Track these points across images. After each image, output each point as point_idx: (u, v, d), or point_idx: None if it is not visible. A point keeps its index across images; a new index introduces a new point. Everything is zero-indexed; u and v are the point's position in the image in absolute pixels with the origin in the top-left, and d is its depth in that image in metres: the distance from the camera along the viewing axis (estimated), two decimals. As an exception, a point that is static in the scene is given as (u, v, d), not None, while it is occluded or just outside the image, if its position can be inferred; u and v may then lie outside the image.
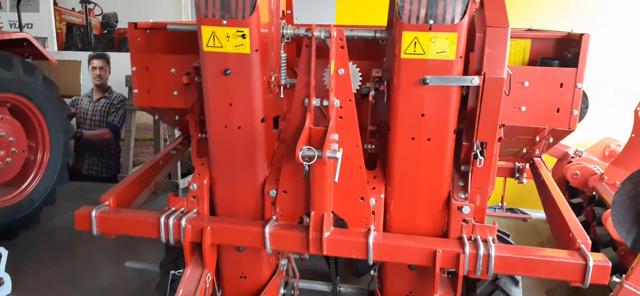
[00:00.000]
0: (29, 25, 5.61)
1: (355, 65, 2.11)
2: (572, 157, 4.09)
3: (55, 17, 5.66)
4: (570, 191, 4.22)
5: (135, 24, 2.47)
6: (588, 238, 2.04)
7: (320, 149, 1.88)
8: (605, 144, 4.28)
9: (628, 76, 4.57)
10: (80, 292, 3.84)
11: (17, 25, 5.28)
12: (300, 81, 2.00)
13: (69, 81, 5.73)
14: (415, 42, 1.84)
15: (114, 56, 5.74)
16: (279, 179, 2.20)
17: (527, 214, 4.26)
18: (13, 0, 5.65)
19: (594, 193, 3.74)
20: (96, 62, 5.84)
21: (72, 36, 5.85)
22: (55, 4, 5.61)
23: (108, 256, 4.44)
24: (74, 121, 6.13)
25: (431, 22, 1.81)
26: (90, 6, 5.64)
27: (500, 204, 4.03)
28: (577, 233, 2.08)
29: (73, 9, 5.71)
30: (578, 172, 3.81)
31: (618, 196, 2.07)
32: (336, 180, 1.91)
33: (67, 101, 5.76)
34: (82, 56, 5.78)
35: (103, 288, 3.94)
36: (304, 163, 1.90)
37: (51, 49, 5.75)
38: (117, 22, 5.67)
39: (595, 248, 3.55)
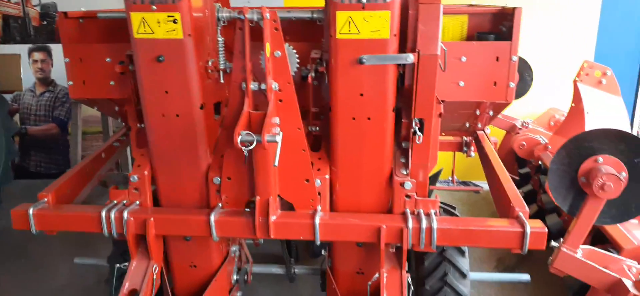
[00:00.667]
0: (-39, 20, 5.30)
1: (292, 46, 2.08)
2: (519, 128, 4.21)
3: (-11, 9, 5.37)
4: (518, 161, 4.35)
5: (65, 13, 2.37)
6: (526, 206, 2.11)
7: (259, 133, 1.86)
8: (551, 114, 4.43)
9: (571, 47, 4.71)
10: (32, 293, 3.71)
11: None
12: (236, 65, 1.97)
13: (8, 75, 5.46)
14: (349, 22, 1.83)
15: (56, 48, 5.49)
16: (222, 166, 2.17)
17: (478, 186, 4.37)
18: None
19: (539, 162, 3.86)
20: (37, 55, 5.57)
21: (10, 29, 5.54)
22: (-12, -6, 5.31)
23: (61, 254, 4.30)
24: (17, 117, 5.87)
25: (364, 1, 1.79)
26: (27, -4, 5.37)
27: (451, 179, 4.11)
28: (515, 201, 2.14)
29: (9, 0, 5.41)
30: (524, 142, 3.93)
31: (554, 164, 2.14)
32: (276, 164, 1.90)
33: (8, 96, 5.50)
34: (22, 49, 5.50)
35: (56, 288, 3.83)
36: (244, 148, 1.87)
37: (-12, 43, 5.46)
38: (56, 12, 5.42)
39: (541, 215, 3.70)
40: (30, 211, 2.24)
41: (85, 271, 3.87)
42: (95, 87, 2.40)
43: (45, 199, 2.33)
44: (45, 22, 5.53)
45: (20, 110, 5.86)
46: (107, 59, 2.33)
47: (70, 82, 2.42)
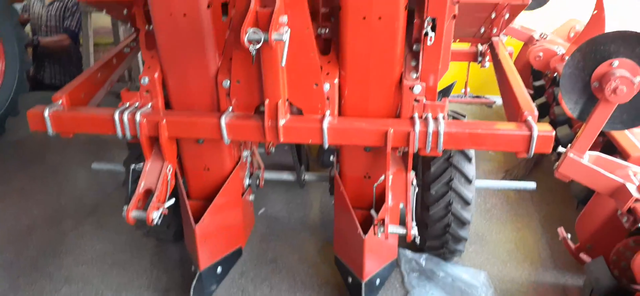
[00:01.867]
0: None
1: None
2: (537, 40, 4.09)
3: None
4: (534, 74, 4.26)
5: None
6: (535, 110, 2.09)
7: (267, 31, 1.83)
8: (571, 25, 4.27)
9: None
10: (54, 197, 3.88)
11: None
12: (242, -39, 1.90)
13: (16, -17, 5.38)
14: None
15: (63, -46, 5.37)
16: (231, 68, 2.17)
17: (491, 99, 4.32)
18: None
19: (555, 74, 3.78)
20: (44, -38, 5.46)
21: None
22: None
23: (79, 161, 4.45)
24: (28, 28, 5.84)
25: None
26: None
27: (464, 91, 4.06)
28: (525, 105, 2.12)
29: None
30: (541, 54, 3.83)
31: (567, 68, 2.09)
32: (283, 64, 1.89)
33: (18, 6, 5.45)
34: (28, -44, 5.40)
35: (76, 190, 3.99)
36: (251, 47, 1.85)
37: (-6, -50, 5.33)
38: None
39: (553, 127, 3.68)
40: (46, 112, 2.30)
41: (103, 178, 4.01)
42: None
43: (60, 102, 2.37)
44: None
45: (30, 20, 5.82)
46: (114, -41, 2.28)
47: (78, -16, 2.38)
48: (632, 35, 1.96)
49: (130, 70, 5.82)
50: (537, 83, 4.19)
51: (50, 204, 3.76)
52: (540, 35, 4.15)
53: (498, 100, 4.72)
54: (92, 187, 4.00)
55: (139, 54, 3.52)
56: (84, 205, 3.73)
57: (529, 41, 4.19)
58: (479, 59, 3.51)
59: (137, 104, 2.33)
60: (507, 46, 3.40)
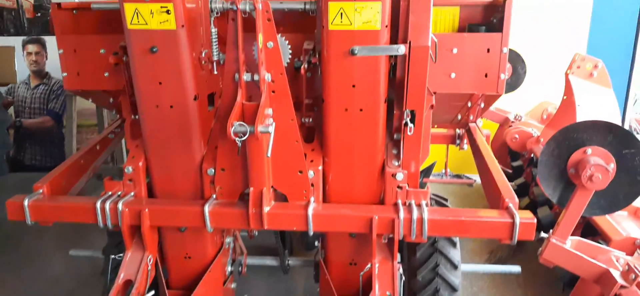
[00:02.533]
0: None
1: (284, 38, 2.10)
2: (512, 121, 4.24)
3: (-18, 2, 5.35)
4: (511, 154, 4.38)
5: (59, 4, 2.37)
6: (515, 197, 2.13)
7: (253, 124, 1.88)
8: (543, 107, 4.46)
9: (564, 40, 4.74)
10: (27, 284, 3.73)
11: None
12: (229, 56, 1.98)
13: (2, 68, 5.44)
14: (341, 13, 1.85)
15: (50, 40, 5.47)
16: (216, 157, 2.19)
17: (471, 179, 4.40)
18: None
19: (532, 155, 3.89)
20: (31, 48, 5.55)
21: (3, 21, 5.52)
22: (-19, -13, 5.29)
23: (56, 247, 4.31)
24: (12, 110, 5.85)
25: (355, -8, 1.81)
26: (20, -12, 5.35)
27: (444, 171, 4.14)
28: (505, 192, 2.16)
29: (2, -8, 5.40)
30: (517, 136, 3.96)
31: (543, 156, 2.17)
32: (269, 154, 1.92)
33: (2, 89, 5.49)
34: (16, 41, 5.48)
35: (52, 279, 3.84)
36: (237, 139, 1.89)
37: (-19, 35, 5.44)
38: (49, 3, 5.40)
39: (533, 207, 3.73)
40: (26, 202, 2.26)
41: (80, 263, 3.87)
42: (89, 79, 2.41)
43: (41, 191, 2.34)
44: (39, 14, 5.51)
45: (14, 103, 5.85)
46: (101, 50, 2.34)
47: (65, 74, 2.43)
48: (602, 124, 2.06)
49: (113, 153, 5.81)
50: (515, 163, 4.30)
51: (24, 293, 3.60)
52: (515, 117, 4.31)
53: (477, 179, 4.79)
54: (68, 274, 3.86)
55: (123, 140, 3.54)
56: (59, 293, 3.57)
57: (504, 123, 4.34)
58: (457, 141, 3.61)
59: (119, 192, 2.31)
60: (484, 130, 3.52)
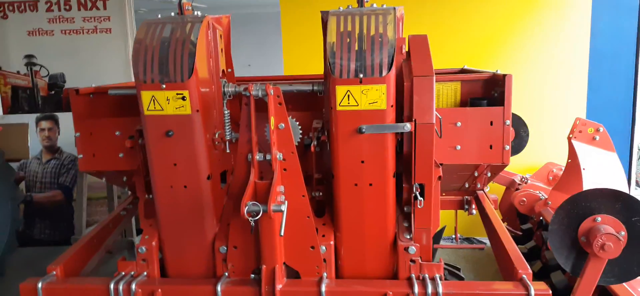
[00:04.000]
0: (-28, 92, 5.47)
1: (295, 119, 2.17)
2: (519, 184, 4.26)
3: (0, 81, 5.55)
4: (520, 217, 4.37)
5: (77, 90, 2.48)
6: (528, 267, 2.13)
7: (265, 203, 1.92)
8: (549, 169, 4.48)
9: (564, 103, 4.84)
10: None
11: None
12: (242, 138, 2.05)
13: (16, 144, 5.56)
14: (348, 95, 1.93)
15: (62, 116, 5.63)
16: (229, 235, 2.22)
17: (482, 243, 4.37)
18: (-46, 67, 5.52)
19: (541, 218, 3.89)
20: (44, 124, 5.69)
21: (19, 99, 5.69)
22: (-1, 68, 5.51)
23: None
24: (23, 185, 5.92)
25: (361, 75, 1.90)
26: (36, 68, 5.55)
27: (454, 236, 4.12)
28: (518, 263, 2.16)
29: (18, 72, 5.60)
30: (524, 199, 3.96)
31: (553, 225, 2.18)
32: (282, 233, 1.94)
33: (15, 164, 5.58)
34: (30, 118, 5.64)
35: None
36: (250, 219, 1.92)
37: (-4, 114, 5.61)
38: (64, 82, 5.59)
39: (546, 272, 3.68)
40: (39, 285, 2.26)
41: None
42: (105, 160, 2.48)
43: (54, 273, 2.35)
44: (53, 92, 5.69)
45: (25, 178, 5.93)
46: (117, 133, 2.42)
47: (81, 156, 2.50)
48: (610, 192, 2.08)
49: (124, 230, 5.83)
50: (525, 226, 4.28)
51: None
52: (521, 179, 4.34)
53: (488, 242, 4.75)
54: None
55: (133, 216, 3.57)
56: None
57: (510, 185, 4.36)
58: (466, 207, 3.61)
59: (132, 273, 2.32)
60: (491, 194, 3.54)
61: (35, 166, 5.90)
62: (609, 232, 2.02)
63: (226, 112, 2.25)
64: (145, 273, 2.33)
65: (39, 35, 5.44)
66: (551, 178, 4.40)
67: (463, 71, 3.04)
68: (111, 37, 5.35)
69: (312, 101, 2.36)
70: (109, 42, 5.34)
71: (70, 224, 5.81)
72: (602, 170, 3.38)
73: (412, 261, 2.16)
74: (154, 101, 2.02)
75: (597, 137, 3.49)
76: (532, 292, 1.99)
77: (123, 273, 2.32)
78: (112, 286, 2.22)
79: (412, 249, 2.15)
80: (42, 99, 5.69)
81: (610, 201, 2.07)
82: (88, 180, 5.47)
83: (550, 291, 2.01)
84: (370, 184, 2.09)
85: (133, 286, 2.23)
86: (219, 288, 2.17)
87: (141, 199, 2.43)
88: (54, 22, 5.40)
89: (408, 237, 2.18)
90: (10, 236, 4.67)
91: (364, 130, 1.96)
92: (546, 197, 3.80)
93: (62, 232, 5.85)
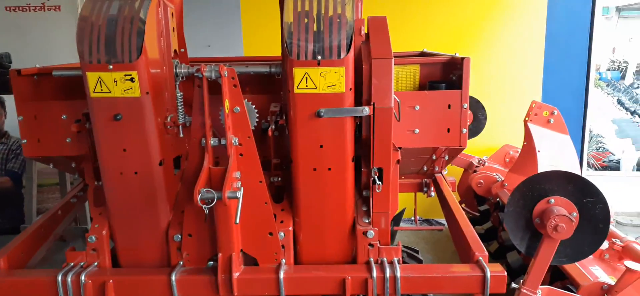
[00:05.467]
0: None
1: (251, 102, 2.11)
2: (477, 166, 4.33)
3: (-62, 61, 5.19)
4: (478, 198, 4.45)
5: (19, 70, 2.32)
6: (485, 249, 2.16)
7: (220, 189, 1.85)
8: (505, 151, 4.58)
9: (520, 86, 4.94)
10: None
11: None
12: (195, 122, 1.97)
13: (-42, 128, 5.25)
14: (306, 78, 1.88)
15: (9, 99, 5.33)
16: (183, 222, 2.14)
17: (441, 224, 4.44)
18: None
19: (498, 199, 3.97)
20: (-11, 107, 5.40)
21: (-40, 80, 5.36)
22: (-62, 47, 5.14)
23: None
24: (-33, 172, 5.61)
25: (319, 57, 1.85)
26: (-22, 47, 5.22)
27: (414, 218, 4.16)
28: (475, 246, 2.19)
29: (-41, 52, 5.26)
30: (482, 181, 4.03)
31: (509, 207, 2.21)
32: (237, 221, 1.89)
33: (-42, 150, 5.27)
34: (-27, 101, 5.32)
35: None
36: (204, 206, 1.85)
37: (-64, 95, 5.25)
38: (10, 62, 5.30)
39: (502, 252, 3.78)
40: (-20, 279, 2.14)
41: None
42: (51, 145, 2.35)
43: (-3, 264, 2.22)
44: (-3, 73, 5.38)
45: (-30, 164, 5.61)
46: (63, 116, 2.30)
47: (24, 141, 2.36)
48: (563, 174, 2.12)
49: (77, 217, 5.61)
50: (482, 208, 4.37)
51: None
52: (479, 161, 4.41)
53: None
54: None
55: (86, 203, 3.43)
56: None
57: (468, 167, 4.43)
58: (425, 189, 3.65)
59: (82, 264, 2.22)
60: (449, 177, 3.58)
61: (-20, 151, 5.58)
62: (562, 213, 2.06)
63: (179, 94, 2.16)
64: (96, 264, 2.23)
65: (-20, 12, 5.11)
66: (508, 159, 4.50)
67: (422, 54, 3.04)
68: (60, 15, 5.07)
69: (269, 84, 2.29)
70: (58, 20, 5.06)
71: (20, 212, 5.55)
72: (555, 152, 3.47)
73: (371, 245, 2.15)
74: (100, 82, 1.91)
75: (552, 120, 3.57)
76: (488, 274, 2.02)
77: (72, 264, 2.21)
78: (59, 278, 2.12)
79: (371, 233, 2.14)
80: (-15, 80, 5.38)
81: (564, 183, 2.11)
82: (38, 166, 5.23)
83: (506, 273, 2.05)
84: (329, 169, 2.06)
85: (82, 277, 2.13)
86: (173, 277, 2.10)
87: (90, 186, 2.32)
88: (-4, -3, 5.07)
89: (367, 221, 2.17)
90: (-46, 226, 4.42)
91: (322, 114, 1.91)
92: (503, 179, 3.88)
93: (12, 220, 5.59)
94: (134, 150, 2.03)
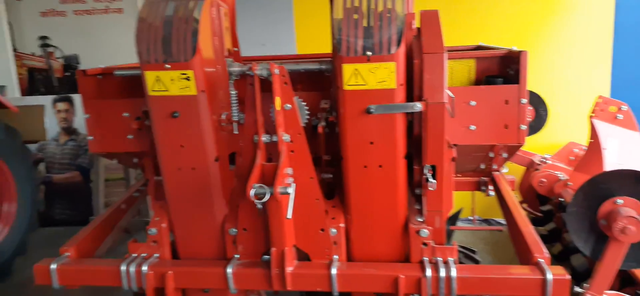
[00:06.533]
0: (-12, 74, 5.55)
1: (302, 99, 2.12)
2: (538, 164, 4.14)
3: (16, 63, 5.60)
4: (540, 198, 4.26)
5: (84, 71, 2.46)
6: (545, 251, 2.06)
7: (272, 185, 1.88)
8: (570, 149, 4.35)
9: (586, 81, 4.67)
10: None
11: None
12: (248, 119, 2.01)
13: (33, 126, 5.64)
14: (356, 74, 1.86)
15: (79, 98, 5.68)
16: (238, 217, 2.19)
17: (501, 224, 4.28)
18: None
19: (561, 199, 3.78)
20: (61, 105, 5.76)
21: (34, 81, 5.76)
22: (14, 50, 5.55)
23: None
24: (42, 166, 6.02)
25: (369, 53, 1.83)
26: (51, 50, 5.58)
27: (472, 218, 4.04)
28: (534, 247, 2.09)
29: (33, 54, 5.65)
30: (544, 179, 3.85)
31: (571, 207, 2.10)
32: (289, 216, 1.91)
33: (34, 146, 5.66)
34: (46, 100, 5.70)
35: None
36: (256, 201, 1.89)
37: (14, 96, 5.67)
38: (78, 63, 5.64)
39: (566, 255, 3.60)
40: (53, 266, 2.28)
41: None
42: (114, 142, 2.48)
43: (67, 254, 2.37)
44: (68, 74, 5.74)
45: (45, 159, 6.03)
46: (125, 114, 2.41)
47: (91, 137, 2.50)
48: (630, 173, 1.99)
49: (140, 209, 5.90)
50: (545, 208, 4.18)
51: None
52: (541, 159, 4.21)
53: (507, 223, 4.66)
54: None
55: (148, 196, 3.58)
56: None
57: (530, 165, 4.24)
58: (483, 188, 3.53)
59: (144, 255, 2.32)
60: (509, 176, 3.44)
61: (53, 147, 5.98)
62: (630, 215, 1.93)
63: (233, 92, 2.20)
64: (156, 255, 2.33)
65: (52, 16, 5.46)
66: (572, 158, 4.27)
67: (478, 48, 2.94)
68: (122, 17, 5.33)
69: (320, 81, 2.30)
70: (121, 22, 5.33)
71: (88, 205, 5.91)
72: (624, 151, 3.25)
73: (425, 244, 2.11)
74: (158, 81, 1.99)
75: (620, 116, 3.36)
76: (549, 276, 1.92)
77: (135, 255, 2.32)
78: (123, 268, 2.23)
79: (424, 232, 2.09)
80: (57, 80, 5.75)
81: (632, 182, 1.98)
82: (105, 162, 5.54)
83: (569, 276, 1.94)
84: (380, 166, 2.03)
85: (144, 267, 2.23)
86: (229, 270, 2.16)
87: (151, 180, 2.42)
88: (66, 2, 5.40)
89: (420, 220, 2.12)
90: (31, 217, 4.76)
91: (372, 110, 1.89)
92: (567, 178, 3.69)
93: (82, 212, 5.96)
94: (190, 146, 2.09)
